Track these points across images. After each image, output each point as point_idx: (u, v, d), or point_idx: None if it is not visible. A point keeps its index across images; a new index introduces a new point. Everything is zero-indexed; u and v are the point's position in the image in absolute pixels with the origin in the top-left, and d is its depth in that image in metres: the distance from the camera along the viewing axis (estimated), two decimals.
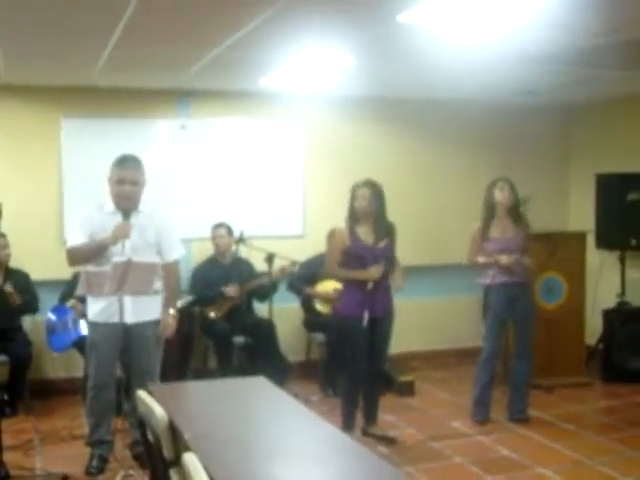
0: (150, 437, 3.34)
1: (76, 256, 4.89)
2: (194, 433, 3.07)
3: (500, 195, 5.83)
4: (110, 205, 4.90)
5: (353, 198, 5.43)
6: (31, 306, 6.45)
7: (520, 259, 5.81)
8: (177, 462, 3.04)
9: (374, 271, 5.32)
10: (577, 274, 7.12)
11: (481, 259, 5.86)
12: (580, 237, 7.21)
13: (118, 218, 4.80)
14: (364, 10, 4.25)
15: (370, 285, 5.32)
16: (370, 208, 5.39)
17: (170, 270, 5.09)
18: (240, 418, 3.46)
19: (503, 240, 5.82)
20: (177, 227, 5.22)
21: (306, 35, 4.77)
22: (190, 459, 2.62)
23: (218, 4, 4.15)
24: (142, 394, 3.50)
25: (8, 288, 6.16)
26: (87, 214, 4.94)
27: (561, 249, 7.01)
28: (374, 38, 4.92)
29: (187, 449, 2.88)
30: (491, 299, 5.89)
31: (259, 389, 3.96)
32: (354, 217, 5.44)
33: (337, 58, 5.46)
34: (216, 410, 3.66)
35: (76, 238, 4.88)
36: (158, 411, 3.23)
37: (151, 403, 3.33)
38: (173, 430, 3.20)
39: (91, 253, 4.82)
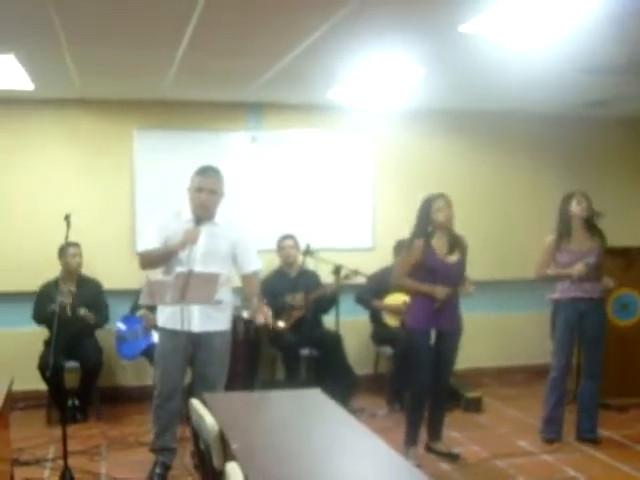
0: (202, 446, 3.37)
1: (146, 260, 5.00)
2: (242, 444, 3.07)
3: (578, 207, 5.69)
4: (188, 214, 4.98)
5: (433, 210, 5.31)
6: (101, 321, 6.61)
7: (597, 276, 5.65)
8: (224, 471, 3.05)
9: (439, 291, 5.23)
10: None
11: (551, 271, 5.74)
12: None
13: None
14: (427, 21, 4.23)
15: (437, 304, 5.25)
16: (452, 219, 5.35)
17: (249, 281, 5.18)
18: (290, 431, 3.43)
19: (578, 253, 5.67)
20: (254, 240, 5.31)
21: (371, 44, 4.79)
22: (233, 469, 2.63)
23: (283, 13, 4.17)
24: (195, 403, 3.53)
25: (82, 311, 6.33)
26: (163, 221, 5.04)
27: (637, 265, 6.80)
28: (438, 49, 4.90)
29: (234, 459, 2.89)
30: (560, 315, 5.75)
31: (314, 402, 3.91)
32: (431, 229, 5.36)
33: (404, 69, 5.46)
34: (268, 421, 3.65)
35: (147, 242, 4.99)
36: (209, 420, 3.25)
37: (203, 412, 3.35)
38: (223, 440, 3.21)
39: (161, 258, 4.92)
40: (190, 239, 4.81)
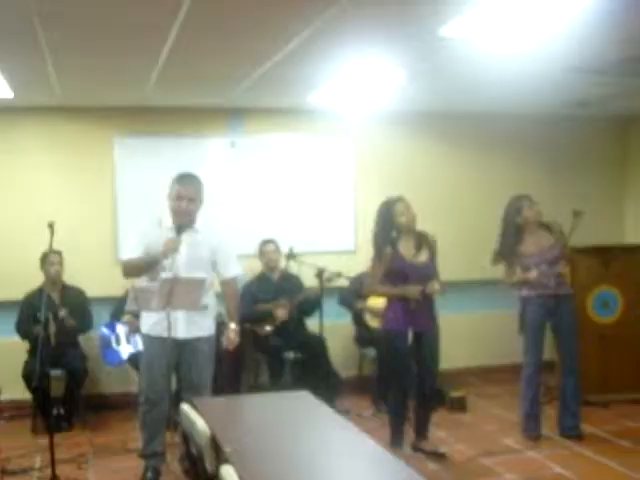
0: (193, 450, 3.38)
1: (128, 269, 5.02)
2: (234, 447, 3.09)
3: (531, 212, 5.76)
4: (168, 221, 4.98)
5: (396, 214, 5.36)
6: (84, 327, 6.57)
7: (553, 268, 5.71)
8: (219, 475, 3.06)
9: (412, 290, 5.26)
10: (634, 288, 6.93)
11: (515, 279, 5.80)
12: (636, 250, 7.07)
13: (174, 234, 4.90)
14: (407, 23, 4.26)
15: (412, 304, 5.28)
16: (414, 220, 5.38)
17: (229, 287, 5.18)
18: (281, 432, 3.46)
19: (540, 252, 5.73)
20: (234, 245, 5.30)
21: (353, 47, 4.80)
22: (227, 472, 2.65)
23: (266, 17, 4.18)
24: (185, 407, 3.54)
25: (62, 314, 6.27)
26: (145, 229, 5.05)
27: (617, 263, 6.87)
28: (419, 51, 4.93)
29: (227, 462, 2.90)
30: (528, 312, 5.81)
31: (303, 403, 3.95)
32: (395, 233, 5.39)
33: (385, 72, 5.49)
34: (258, 424, 3.68)
35: (131, 251, 5.00)
36: (200, 424, 3.26)
37: (193, 416, 3.37)
38: (215, 443, 3.22)
39: (144, 266, 4.92)
40: (171, 249, 4.81)
